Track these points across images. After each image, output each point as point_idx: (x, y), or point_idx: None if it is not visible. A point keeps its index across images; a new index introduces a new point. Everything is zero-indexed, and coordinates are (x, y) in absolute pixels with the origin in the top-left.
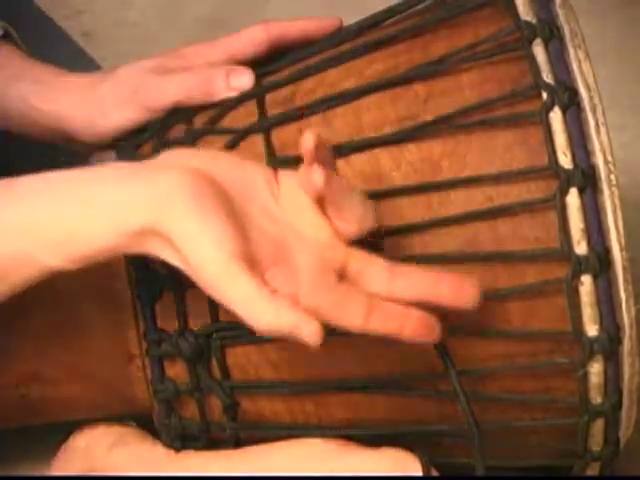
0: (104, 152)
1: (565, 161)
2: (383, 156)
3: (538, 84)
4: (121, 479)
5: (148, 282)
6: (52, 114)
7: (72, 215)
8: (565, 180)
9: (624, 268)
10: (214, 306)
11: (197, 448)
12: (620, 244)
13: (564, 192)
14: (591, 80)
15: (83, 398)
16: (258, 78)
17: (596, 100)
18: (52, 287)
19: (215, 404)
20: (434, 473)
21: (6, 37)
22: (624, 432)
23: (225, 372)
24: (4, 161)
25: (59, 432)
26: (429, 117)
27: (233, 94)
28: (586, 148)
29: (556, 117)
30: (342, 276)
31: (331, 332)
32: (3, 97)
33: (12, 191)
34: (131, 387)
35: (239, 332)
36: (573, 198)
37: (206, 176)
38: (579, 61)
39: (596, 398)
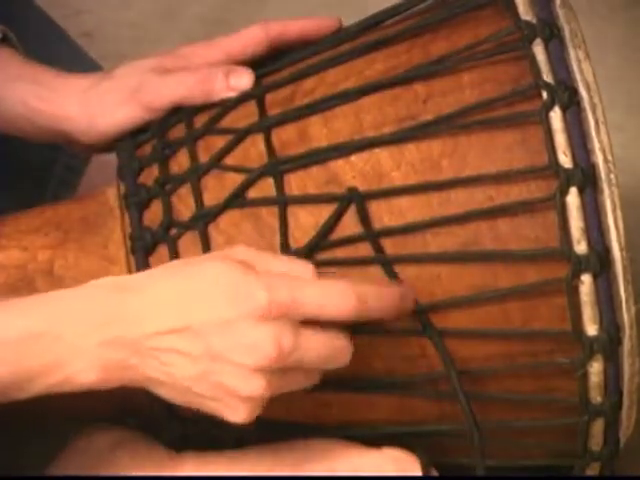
0: (104, 155)
1: (565, 160)
2: (383, 156)
3: (538, 84)
4: (121, 479)
5: None
6: (52, 115)
7: None
8: (565, 179)
9: (624, 268)
10: None
11: (197, 448)
12: (620, 243)
13: (564, 191)
14: (591, 80)
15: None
16: (258, 78)
17: (596, 100)
18: None
19: None
20: (434, 473)
21: (5, 41)
22: (624, 432)
23: None
24: (5, 162)
25: (59, 432)
26: (429, 117)
27: (232, 94)
28: (586, 147)
29: (556, 117)
30: None
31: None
32: (2, 99)
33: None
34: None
35: None
36: (573, 197)
37: None
38: (579, 61)
39: (596, 398)
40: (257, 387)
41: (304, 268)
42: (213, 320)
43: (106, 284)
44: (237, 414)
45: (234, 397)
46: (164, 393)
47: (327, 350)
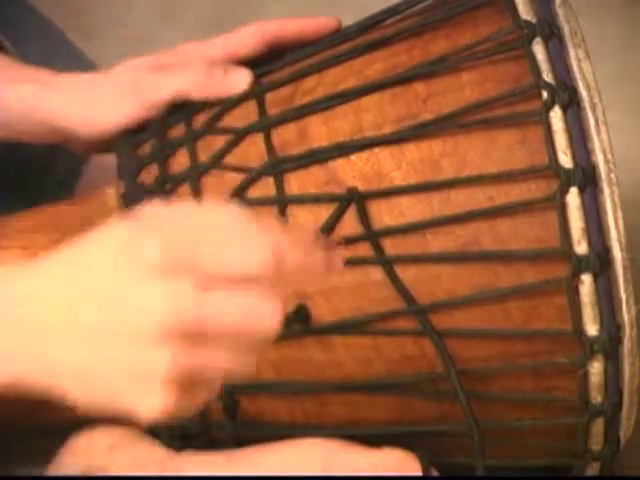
0: (103, 155)
1: (565, 160)
2: (383, 156)
3: (538, 83)
4: (121, 479)
5: None
6: (50, 113)
7: None
8: (565, 179)
9: (624, 268)
10: None
11: (197, 448)
12: (620, 243)
13: (564, 191)
14: (591, 79)
15: None
16: (258, 78)
17: (596, 99)
18: None
19: (215, 404)
20: (434, 473)
21: (1, 49)
22: (624, 432)
23: None
24: (5, 162)
25: (59, 432)
26: (429, 116)
27: (230, 91)
28: (586, 147)
29: (556, 116)
30: None
31: (329, 331)
32: (1, 101)
33: None
34: None
35: None
36: (573, 197)
37: None
38: (579, 60)
39: (596, 398)
40: (160, 361)
41: None
42: (96, 291)
43: None
44: (146, 403)
45: (139, 381)
46: (71, 394)
47: (243, 312)
